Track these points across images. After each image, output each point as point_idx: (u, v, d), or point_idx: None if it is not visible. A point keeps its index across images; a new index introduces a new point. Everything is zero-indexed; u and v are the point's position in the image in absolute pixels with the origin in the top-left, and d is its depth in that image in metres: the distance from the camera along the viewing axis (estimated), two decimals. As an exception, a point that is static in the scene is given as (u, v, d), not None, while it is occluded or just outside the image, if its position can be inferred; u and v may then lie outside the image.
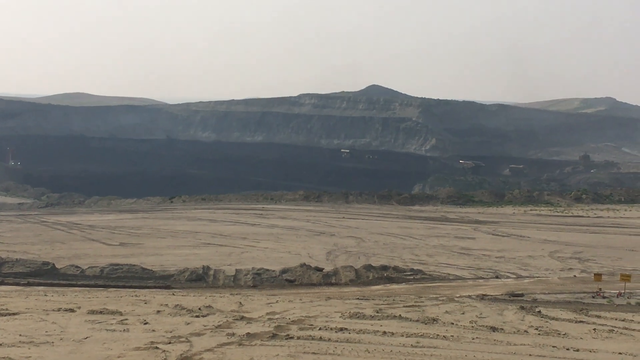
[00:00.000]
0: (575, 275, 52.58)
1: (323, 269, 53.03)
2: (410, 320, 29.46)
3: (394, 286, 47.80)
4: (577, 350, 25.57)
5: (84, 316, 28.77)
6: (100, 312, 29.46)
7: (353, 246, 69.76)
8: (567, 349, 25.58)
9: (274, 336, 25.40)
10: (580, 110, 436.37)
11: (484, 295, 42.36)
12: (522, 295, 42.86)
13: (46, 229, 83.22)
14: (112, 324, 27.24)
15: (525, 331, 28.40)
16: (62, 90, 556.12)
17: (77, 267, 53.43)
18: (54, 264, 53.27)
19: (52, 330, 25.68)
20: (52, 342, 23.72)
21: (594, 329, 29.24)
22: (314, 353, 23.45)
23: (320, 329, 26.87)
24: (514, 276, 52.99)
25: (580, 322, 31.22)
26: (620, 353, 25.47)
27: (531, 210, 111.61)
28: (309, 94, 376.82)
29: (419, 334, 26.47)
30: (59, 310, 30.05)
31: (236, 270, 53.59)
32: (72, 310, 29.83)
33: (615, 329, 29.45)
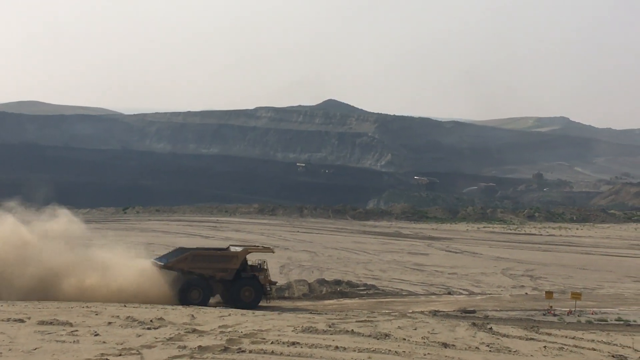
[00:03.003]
0: (526, 293, 52.98)
1: (276, 282, 52.94)
2: (363, 335, 29.48)
3: (347, 301, 47.84)
4: (528, 367, 25.75)
5: (33, 327, 28.44)
6: (51, 323, 29.14)
7: (307, 260, 69.75)
8: (518, 366, 25.76)
9: (225, 349, 25.30)
10: (534, 129, 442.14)
11: (437, 311, 42.55)
12: (474, 311, 43.11)
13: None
14: (62, 335, 26.95)
15: (476, 348, 28.54)
16: (17, 98, 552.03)
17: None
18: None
19: (1, 341, 25.35)
20: (1, 353, 23.43)
21: (545, 347, 29.46)
22: (265, 367, 23.41)
23: (272, 342, 26.81)
24: (466, 293, 53.27)
25: (531, 339, 31.44)
26: (569, 370, 25.67)
27: (484, 227, 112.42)
28: (265, 107, 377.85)
29: (371, 349, 26.49)
30: (8, 320, 29.68)
31: (189, 282, 53.29)
32: (21, 321, 29.48)
33: (566, 347, 29.70)
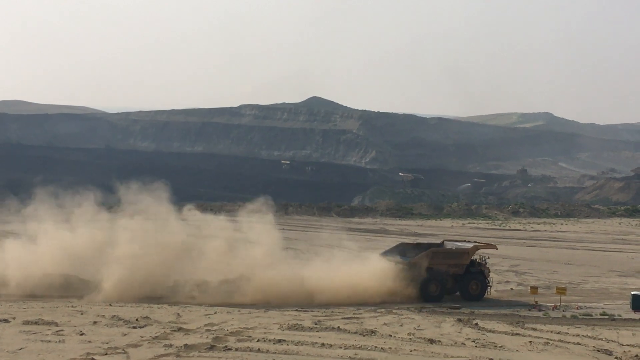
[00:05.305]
0: (512, 288, 53.10)
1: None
2: (349, 332, 29.50)
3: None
4: (513, 362, 25.82)
5: (18, 327, 28.36)
6: (36, 323, 29.06)
7: (292, 258, 69.65)
8: (504, 361, 25.82)
9: (211, 347, 25.28)
10: (518, 125, 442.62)
11: (422, 307, 42.61)
12: (459, 307, 43.20)
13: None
14: (47, 334, 26.89)
15: (462, 343, 28.59)
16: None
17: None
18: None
19: (-14, 341, 25.30)
20: (-14, 353, 23.38)
21: (530, 342, 29.54)
22: (251, 365, 23.41)
23: (258, 340, 26.80)
24: (452, 288, 53.31)
25: (517, 334, 31.52)
26: (555, 365, 25.75)
27: (469, 223, 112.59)
28: (249, 104, 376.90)
29: (357, 346, 26.52)
30: (-7, 320, 29.60)
31: (174, 281, 53.21)
32: (6, 321, 29.39)
33: (551, 342, 29.78)
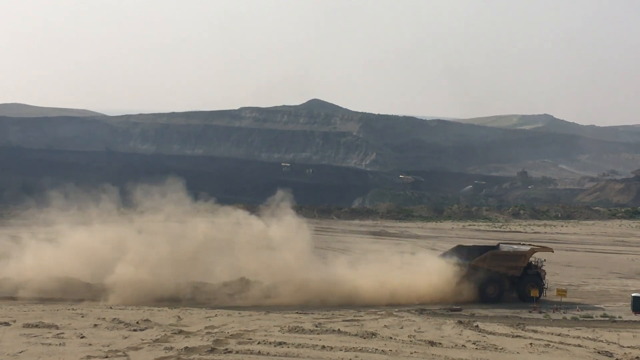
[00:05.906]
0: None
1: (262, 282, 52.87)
2: (349, 335, 29.49)
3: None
4: (514, 364, 25.82)
5: (19, 330, 28.34)
6: (36, 326, 29.05)
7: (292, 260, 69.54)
8: (504, 363, 25.82)
9: (212, 350, 25.29)
10: (518, 127, 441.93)
11: (423, 309, 42.61)
12: (460, 309, 43.19)
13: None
14: (48, 337, 26.87)
15: (463, 345, 28.59)
16: None
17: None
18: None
19: (-14, 344, 25.29)
20: (-14, 356, 23.37)
21: (531, 344, 29.53)
22: (252, 367, 23.41)
23: (259, 343, 26.80)
24: (453, 291, 53.31)
25: (517, 336, 31.51)
26: (556, 367, 25.74)
27: (470, 225, 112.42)
28: (249, 107, 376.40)
29: (358, 348, 26.52)
30: (-7, 323, 29.59)
31: (175, 283, 53.21)
32: (7, 324, 29.37)
33: (552, 344, 29.77)
